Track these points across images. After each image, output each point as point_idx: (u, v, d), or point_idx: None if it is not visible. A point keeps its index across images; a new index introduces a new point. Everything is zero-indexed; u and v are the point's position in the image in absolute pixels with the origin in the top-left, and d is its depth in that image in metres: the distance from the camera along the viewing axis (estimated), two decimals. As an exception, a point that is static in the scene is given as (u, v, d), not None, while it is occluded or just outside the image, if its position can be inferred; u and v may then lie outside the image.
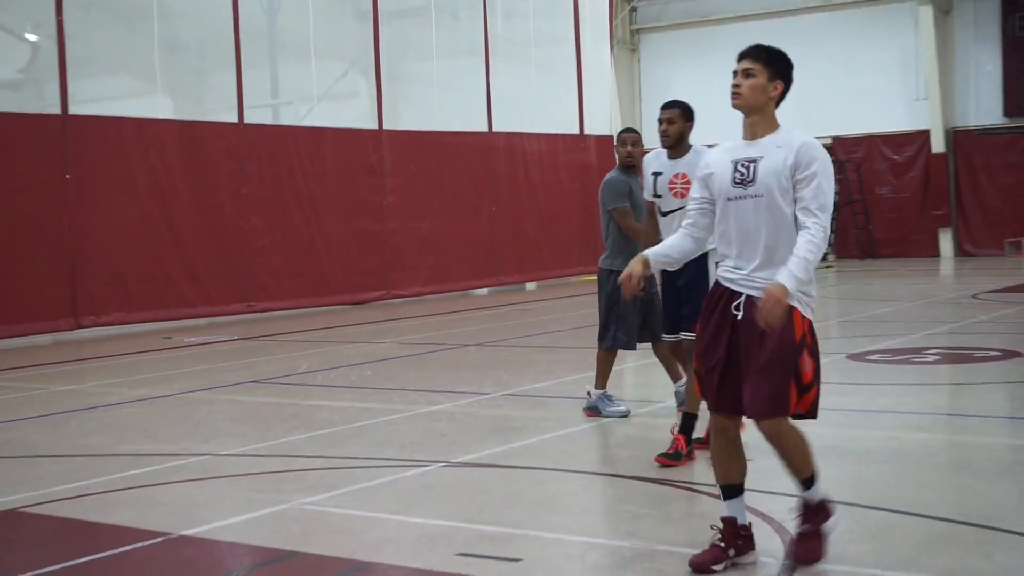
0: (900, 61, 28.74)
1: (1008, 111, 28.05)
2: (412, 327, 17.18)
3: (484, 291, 23.83)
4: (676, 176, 7.40)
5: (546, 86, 25.87)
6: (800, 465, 5.26)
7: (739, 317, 5.04)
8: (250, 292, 19.37)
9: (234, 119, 19.35)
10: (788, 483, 6.60)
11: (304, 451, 8.02)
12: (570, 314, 18.07)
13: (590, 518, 6.25)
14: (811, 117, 29.31)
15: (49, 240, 16.77)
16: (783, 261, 4.95)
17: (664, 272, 7.35)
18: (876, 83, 28.74)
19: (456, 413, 9.38)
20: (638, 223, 8.52)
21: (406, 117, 22.92)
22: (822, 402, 5.28)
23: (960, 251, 28.39)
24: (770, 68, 5.35)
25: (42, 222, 16.68)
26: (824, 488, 5.28)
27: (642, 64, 32.74)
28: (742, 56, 5.40)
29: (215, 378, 12.17)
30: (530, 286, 24.94)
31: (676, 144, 7.48)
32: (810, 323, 5.10)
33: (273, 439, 8.54)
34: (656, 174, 7.54)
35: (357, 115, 22.36)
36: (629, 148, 8.70)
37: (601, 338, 8.95)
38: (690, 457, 7.22)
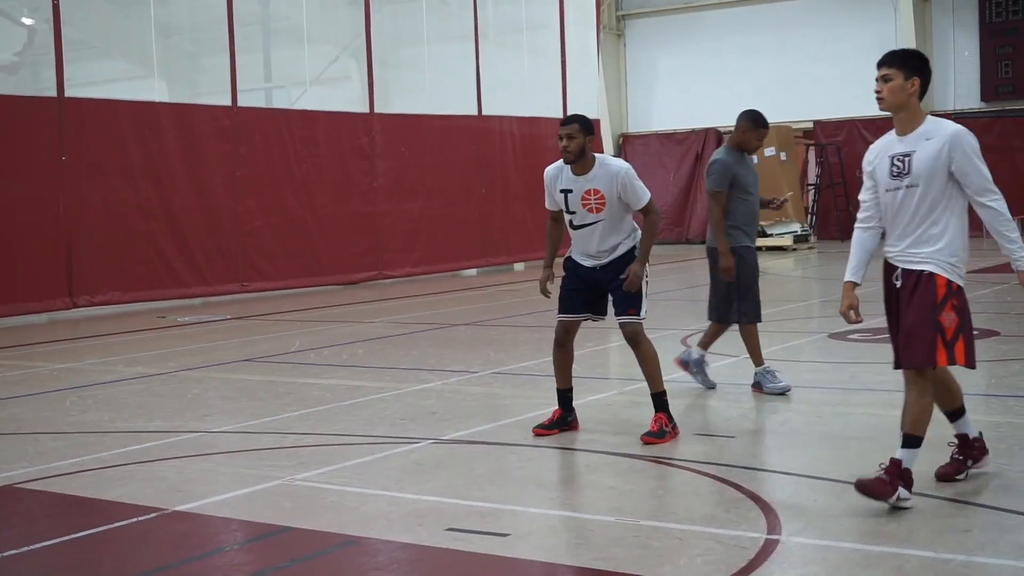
0: (880, 46, 28.63)
1: (985, 95, 28.29)
2: (403, 307, 17.30)
3: (473, 272, 23.94)
4: (588, 192, 7.37)
5: (535, 70, 25.95)
6: (943, 406, 6.16)
7: (898, 286, 5.94)
8: (243, 272, 19.48)
9: (228, 102, 19.42)
10: (775, 462, 6.76)
11: (296, 428, 8.14)
12: (557, 294, 18.16)
13: (576, 494, 6.38)
14: (793, 101, 29.49)
15: (46, 221, 16.85)
16: (938, 238, 5.81)
17: (584, 268, 7.66)
18: (856, 68, 28.79)
19: (445, 391, 9.50)
20: (746, 202, 8.99)
21: (397, 101, 23.01)
22: (804, 378, 5.44)
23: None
24: (904, 68, 5.98)
25: (39, 203, 16.76)
26: (975, 429, 6.24)
27: (627, 49, 32.80)
28: (880, 65, 6.06)
29: (209, 356, 12.27)
30: (518, 267, 25.06)
31: (578, 159, 7.37)
32: (957, 287, 5.79)
33: (266, 416, 8.66)
34: (566, 191, 7.47)
35: (348, 99, 22.44)
36: (750, 138, 9.04)
37: (726, 316, 9.16)
38: (674, 433, 7.37)
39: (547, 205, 7.78)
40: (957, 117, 28.09)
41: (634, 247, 7.57)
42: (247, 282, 19.53)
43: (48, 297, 16.90)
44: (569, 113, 26.03)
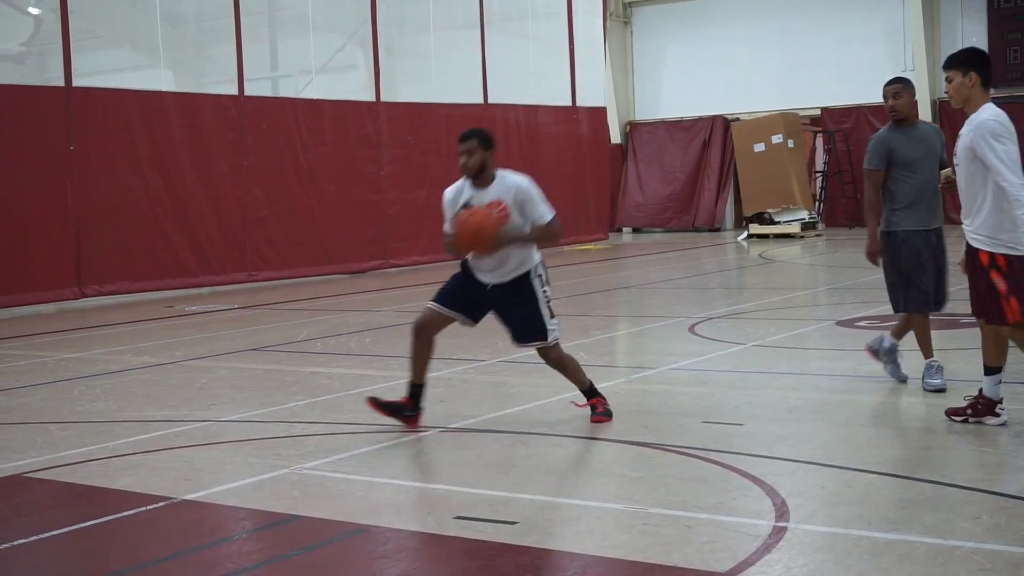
0: (887, 33, 28.79)
1: (994, 81, 28.07)
2: (409, 295, 17.29)
3: (479, 261, 23.89)
4: (490, 205, 7.29)
5: (540, 58, 25.92)
6: (988, 357, 6.96)
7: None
8: (250, 261, 19.51)
9: (234, 91, 19.42)
10: (783, 449, 6.76)
11: (304, 417, 8.16)
12: (563, 283, 18.15)
13: (584, 481, 6.38)
14: (800, 88, 29.43)
15: (54, 210, 16.88)
16: (981, 215, 6.68)
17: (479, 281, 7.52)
18: (864, 54, 28.80)
19: (452, 379, 9.50)
20: (909, 182, 8.09)
21: (403, 89, 23.00)
22: (812, 366, 5.44)
23: (946, 219, 28.41)
24: (962, 68, 6.73)
25: (47, 193, 16.79)
26: (998, 391, 6.94)
27: (634, 37, 32.74)
28: (944, 69, 6.89)
29: (216, 346, 12.29)
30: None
31: (479, 174, 7.38)
32: (1004, 257, 6.59)
33: (273, 405, 8.67)
34: (467, 205, 7.39)
35: (354, 87, 22.44)
36: (891, 102, 8.17)
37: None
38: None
39: (446, 229, 7.57)
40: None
41: (530, 272, 7.45)
42: (254, 271, 19.56)
43: (57, 287, 16.94)
44: (576, 101, 26.25)
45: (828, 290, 15.75)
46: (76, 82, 17.20)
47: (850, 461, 6.33)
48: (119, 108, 17.72)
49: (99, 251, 17.34)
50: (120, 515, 5.89)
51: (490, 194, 7.37)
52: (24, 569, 5.21)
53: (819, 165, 30.23)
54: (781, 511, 5.41)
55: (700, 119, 31.33)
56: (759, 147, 27.80)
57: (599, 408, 7.63)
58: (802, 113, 28.96)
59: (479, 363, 10.27)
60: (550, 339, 7.50)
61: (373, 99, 21.85)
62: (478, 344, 11.52)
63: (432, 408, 8.24)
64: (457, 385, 9.26)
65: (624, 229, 32.36)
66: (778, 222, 27.30)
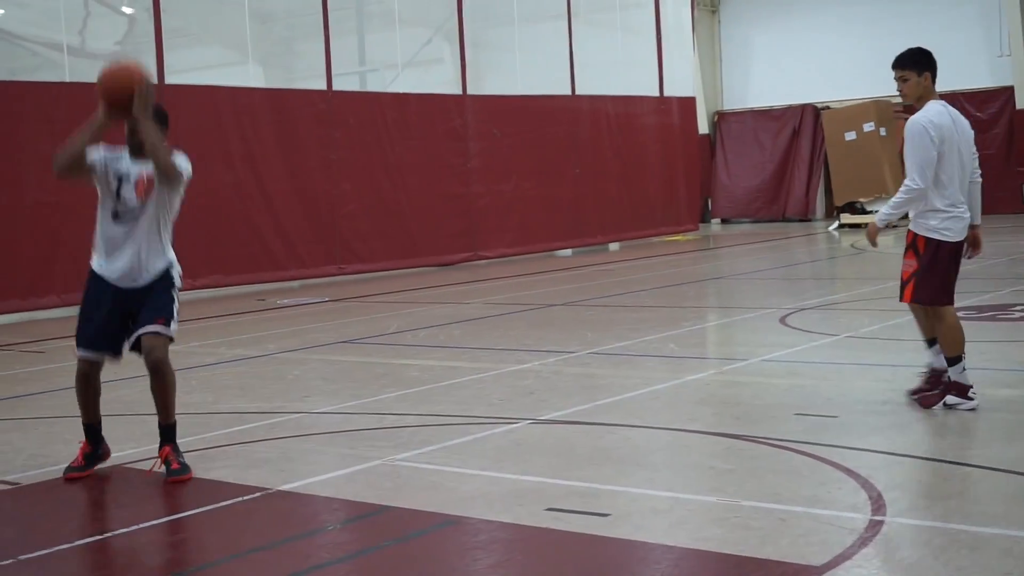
0: (982, 17, 28.19)
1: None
2: (498, 287, 17.34)
3: (568, 252, 23.91)
4: (142, 176, 6.80)
5: (628, 49, 25.79)
6: (944, 345, 7.28)
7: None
8: (340, 255, 19.68)
9: (323, 87, 19.60)
10: (878, 441, 6.67)
11: (395, 409, 8.21)
12: (653, 274, 18.11)
13: (676, 473, 6.35)
14: (891, 75, 28.83)
15: (147, 206, 17.15)
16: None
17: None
18: (957, 40, 28.19)
19: (543, 371, 9.51)
20: None
21: (489, 82, 23.03)
22: (907, 357, 5.36)
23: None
24: (917, 67, 7.43)
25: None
26: (965, 376, 7.22)
27: (722, 26, 32.46)
28: (893, 67, 7.57)
29: (307, 338, 12.42)
30: (613, 247, 24.98)
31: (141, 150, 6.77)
32: (922, 239, 7.32)
33: (365, 397, 8.75)
34: (122, 177, 6.83)
35: (441, 81, 22.53)
36: None
37: None
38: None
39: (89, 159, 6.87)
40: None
41: (169, 268, 6.96)
42: (344, 264, 19.74)
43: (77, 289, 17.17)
44: (665, 91, 26.10)
45: (922, 280, 15.47)
46: (168, 80, 17.47)
47: (947, 454, 6.23)
48: (210, 105, 17.97)
49: (192, 246, 17.56)
50: (216, 505, 5.98)
51: (147, 167, 6.77)
52: (124, 558, 5.31)
53: (911, 153, 29.72)
54: (877, 504, 5.33)
55: (789, 108, 30.97)
56: (850, 135, 27.41)
57: (173, 463, 6.56)
58: (894, 100, 28.46)
59: (569, 355, 10.27)
60: (172, 328, 6.85)
61: (460, 92, 21.92)
62: (568, 336, 11.52)
63: (523, 400, 8.25)
64: (547, 377, 9.26)
65: (713, 220, 32.13)
66: (871, 211, 26.90)
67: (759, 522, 5.20)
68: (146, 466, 6.84)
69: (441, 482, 6.22)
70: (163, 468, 6.59)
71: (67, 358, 11.86)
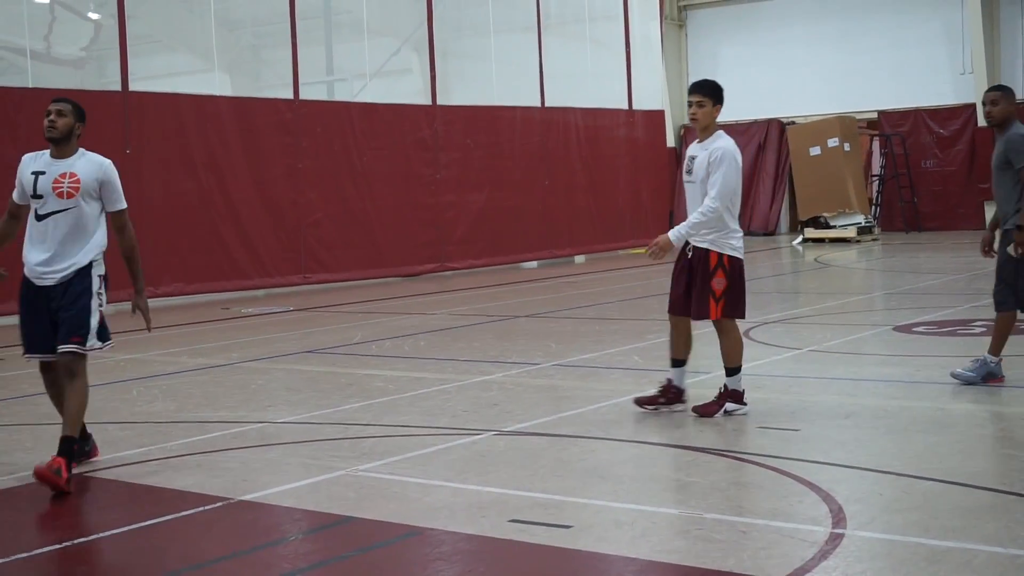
0: (946, 35, 28.48)
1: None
2: (464, 299, 17.34)
3: (534, 264, 23.95)
4: (63, 175, 6.83)
5: (597, 61, 25.90)
6: (729, 357, 7.85)
7: (690, 256, 7.80)
8: (305, 264, 19.63)
9: (289, 96, 19.56)
10: (840, 455, 6.71)
11: (359, 419, 8.19)
12: (618, 286, 18.16)
13: (639, 486, 6.36)
14: (857, 91, 29.17)
15: (109, 213, 17.06)
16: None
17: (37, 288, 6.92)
18: (922, 57, 28.52)
19: (507, 383, 9.51)
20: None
21: (459, 92, 23.06)
22: (868, 372, 5.39)
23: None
24: (713, 97, 7.83)
25: (103, 196, 16.97)
26: (740, 383, 7.80)
27: (689, 40, 32.63)
28: (692, 91, 7.89)
29: (272, 348, 12.38)
30: (579, 259, 25.04)
31: (61, 142, 6.94)
32: (728, 257, 7.74)
33: (329, 407, 8.72)
34: (38, 173, 6.87)
35: (409, 91, 22.54)
36: (988, 108, 8.73)
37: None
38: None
39: (15, 197, 7.02)
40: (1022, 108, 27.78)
41: (91, 264, 6.94)
42: (309, 274, 19.68)
43: (113, 288, 17.01)
44: (633, 104, 26.21)
45: (885, 295, 15.60)
46: (133, 86, 17.38)
47: (908, 468, 6.27)
48: (174, 112, 17.89)
49: (155, 253, 17.49)
50: (178, 515, 5.95)
51: (68, 166, 6.85)
52: (84, 567, 5.27)
53: (876, 169, 29.96)
54: (838, 517, 5.37)
55: (755, 122, 31.15)
56: (815, 150, 27.60)
57: (64, 472, 6.36)
58: (859, 116, 28.71)
59: (534, 367, 10.28)
60: (88, 343, 6.80)
61: (429, 102, 21.93)
62: (533, 348, 11.53)
63: (487, 411, 8.26)
64: (512, 389, 9.26)
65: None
66: (834, 226, 27.09)
67: (721, 535, 5.23)
68: (107, 475, 6.80)
69: (404, 493, 6.21)
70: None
71: (26, 365, 11.76)
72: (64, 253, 6.85)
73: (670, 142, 31.01)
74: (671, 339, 8.04)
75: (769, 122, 30.93)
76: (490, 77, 23.66)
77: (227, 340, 13.17)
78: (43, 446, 7.73)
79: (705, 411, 7.78)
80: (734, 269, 7.77)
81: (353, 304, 17.11)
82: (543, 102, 24.22)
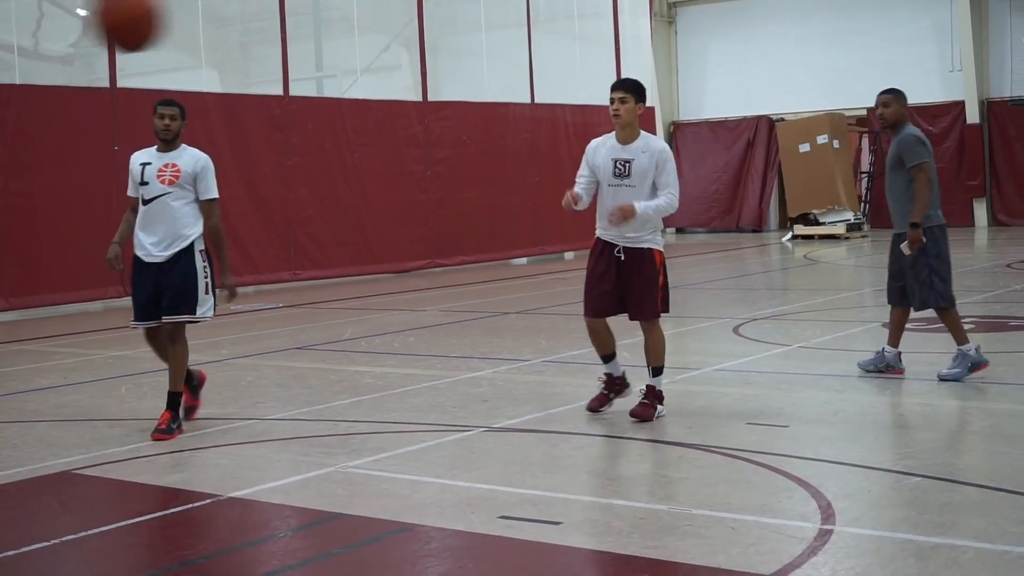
0: (935, 32, 28.52)
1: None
2: (454, 295, 17.34)
3: (524, 260, 23.94)
4: (166, 165, 8.02)
5: (587, 58, 25.88)
6: (656, 355, 7.81)
7: (622, 258, 7.70)
8: (295, 260, 19.60)
9: (279, 92, 19.52)
10: (829, 451, 6.72)
11: (349, 416, 8.19)
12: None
13: (629, 482, 6.37)
14: (846, 88, 29.16)
15: (99, 210, 17.00)
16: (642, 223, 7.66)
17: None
18: (910, 55, 28.53)
19: (497, 379, 9.51)
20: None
21: (449, 89, 23.03)
22: (857, 368, 5.37)
23: (994, 221, 28.27)
24: (635, 94, 7.63)
25: (92, 193, 16.93)
26: (663, 382, 7.79)
27: (679, 37, 32.62)
28: (615, 88, 7.70)
29: (261, 344, 12.36)
30: (568, 255, 25.04)
31: (174, 140, 8.09)
32: (661, 255, 7.76)
33: (318, 404, 8.72)
34: (145, 164, 8.11)
35: (399, 88, 22.49)
36: (880, 110, 8.93)
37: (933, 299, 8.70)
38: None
39: (129, 192, 8.34)
40: (1014, 104, 27.87)
41: (193, 243, 8.06)
42: (299, 270, 19.65)
43: (101, 285, 17.09)
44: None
45: (874, 291, 15.60)
46: (121, 83, 17.33)
47: (896, 464, 6.28)
48: (163, 109, 17.84)
49: (145, 250, 17.48)
50: (167, 512, 5.94)
51: (174, 157, 8.12)
52: (73, 564, 5.26)
53: (865, 166, 30.00)
54: (827, 514, 5.38)
55: (744, 119, 31.18)
56: (804, 147, 27.63)
57: (161, 424, 7.70)
58: (848, 113, 28.74)
59: (523, 362, 10.28)
60: (198, 313, 7.95)
61: (419, 99, 21.90)
62: (522, 344, 11.53)
63: (477, 407, 8.26)
64: (501, 385, 9.27)
65: (668, 229, 32.27)
66: (823, 223, 27.12)
67: (710, 531, 5.23)
68: (96, 472, 6.80)
69: (394, 489, 6.21)
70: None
71: (14, 362, 11.76)
72: (169, 234, 8.00)
73: (659, 137, 31.00)
74: (594, 340, 7.94)
75: (759, 119, 30.95)
76: (480, 74, 23.63)
77: (216, 337, 13.15)
78: (31, 443, 7.73)
79: (644, 415, 7.61)
80: (664, 266, 7.78)
81: (343, 301, 17.10)
82: (533, 99, 24.21)
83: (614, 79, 26.00)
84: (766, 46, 30.75)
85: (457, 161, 22.33)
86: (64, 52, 19.40)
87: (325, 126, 20.09)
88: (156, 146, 8.12)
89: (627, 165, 7.63)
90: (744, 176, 31.17)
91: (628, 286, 7.71)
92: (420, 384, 9.36)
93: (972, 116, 27.98)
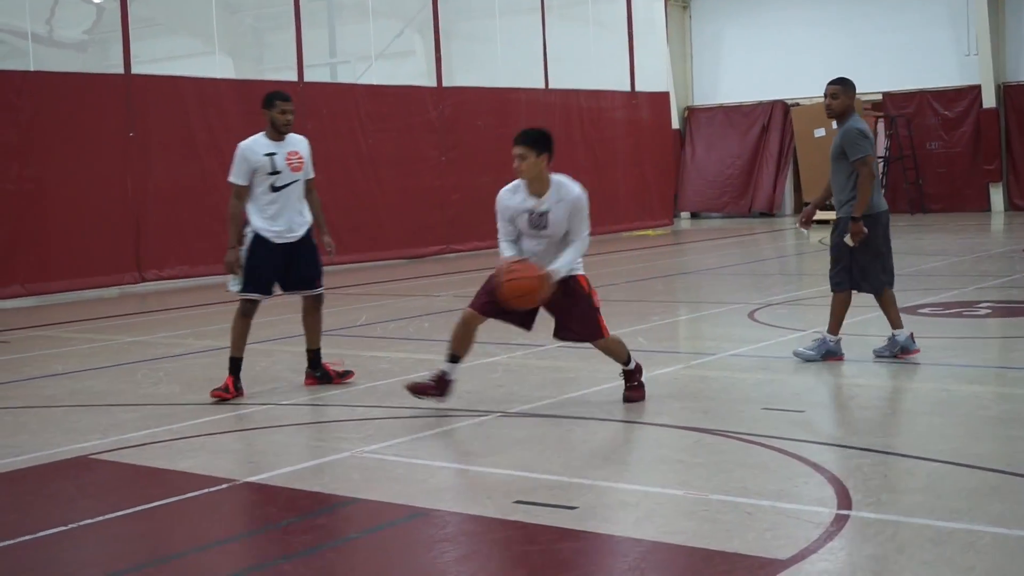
0: (950, 16, 28.34)
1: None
2: (469, 280, 17.30)
3: (539, 246, 23.90)
4: (290, 153, 8.68)
5: (601, 43, 25.82)
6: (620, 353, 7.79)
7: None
8: (310, 247, 19.59)
9: (293, 78, 19.52)
10: (845, 436, 6.70)
11: (364, 401, 8.20)
12: (621, 268, 18.13)
13: (644, 467, 6.36)
14: (861, 72, 28.95)
15: (114, 196, 17.08)
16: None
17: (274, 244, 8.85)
18: (926, 38, 28.37)
19: (511, 364, 9.52)
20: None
21: (462, 75, 22.99)
22: (872, 353, 5.33)
23: (1011, 205, 28.10)
24: (536, 147, 7.47)
25: (108, 178, 16.99)
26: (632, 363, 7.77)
27: (693, 21, 32.49)
28: (519, 144, 7.51)
29: (276, 330, 12.37)
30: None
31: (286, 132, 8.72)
32: (586, 279, 7.68)
33: (333, 389, 8.73)
34: (270, 154, 8.64)
35: (413, 73, 22.47)
36: (828, 101, 8.97)
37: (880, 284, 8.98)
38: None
39: (241, 180, 8.73)
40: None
41: (309, 223, 8.92)
42: (313, 257, 19.64)
43: (117, 271, 17.15)
44: (636, 86, 26.13)
45: (889, 277, 15.57)
46: (135, 69, 17.36)
47: (913, 449, 6.26)
48: (176, 95, 17.86)
49: (158, 236, 17.53)
50: (183, 496, 5.95)
51: (289, 145, 8.79)
52: (90, 548, 5.28)
53: (880, 151, 29.87)
54: (843, 499, 5.37)
55: (759, 104, 31.06)
56: (819, 132, 27.49)
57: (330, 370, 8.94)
58: (863, 98, 28.58)
59: (538, 348, 10.27)
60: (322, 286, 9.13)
61: (433, 84, 21.87)
62: (537, 329, 11.50)
63: (492, 392, 8.26)
64: (516, 370, 9.27)
65: (682, 214, 32.22)
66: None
67: (726, 516, 5.23)
68: (112, 457, 6.82)
69: (409, 474, 6.21)
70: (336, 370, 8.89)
71: (31, 348, 11.79)
72: (299, 215, 8.80)
73: (675, 124, 30.93)
74: (458, 334, 7.87)
75: (773, 104, 30.83)
76: (494, 59, 23.58)
77: (231, 323, 13.13)
78: (48, 428, 7.76)
79: (637, 396, 7.72)
80: (591, 286, 7.73)
81: (357, 286, 17.11)
82: (547, 84, 24.15)
83: (626, 64, 26.19)
84: (781, 30, 30.61)
85: (471, 146, 22.31)
86: (78, 39, 19.44)
87: (339, 112, 20.09)
88: (263, 134, 8.73)
89: (543, 217, 7.55)
90: (759, 161, 31.06)
91: (558, 309, 7.68)
92: (435, 369, 9.34)
93: (988, 100, 27.82)
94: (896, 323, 8.92)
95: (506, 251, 7.74)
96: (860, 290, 8.95)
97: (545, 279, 7.42)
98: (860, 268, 8.84)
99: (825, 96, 9.04)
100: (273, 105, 8.67)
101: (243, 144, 8.74)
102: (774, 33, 30.75)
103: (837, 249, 8.90)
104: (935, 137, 28.69)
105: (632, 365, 7.80)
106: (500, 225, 7.83)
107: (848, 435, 6.68)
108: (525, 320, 7.84)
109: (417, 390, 7.75)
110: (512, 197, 7.70)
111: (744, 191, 31.28)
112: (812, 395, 7.91)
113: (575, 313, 7.66)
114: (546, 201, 7.54)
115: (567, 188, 7.59)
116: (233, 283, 8.80)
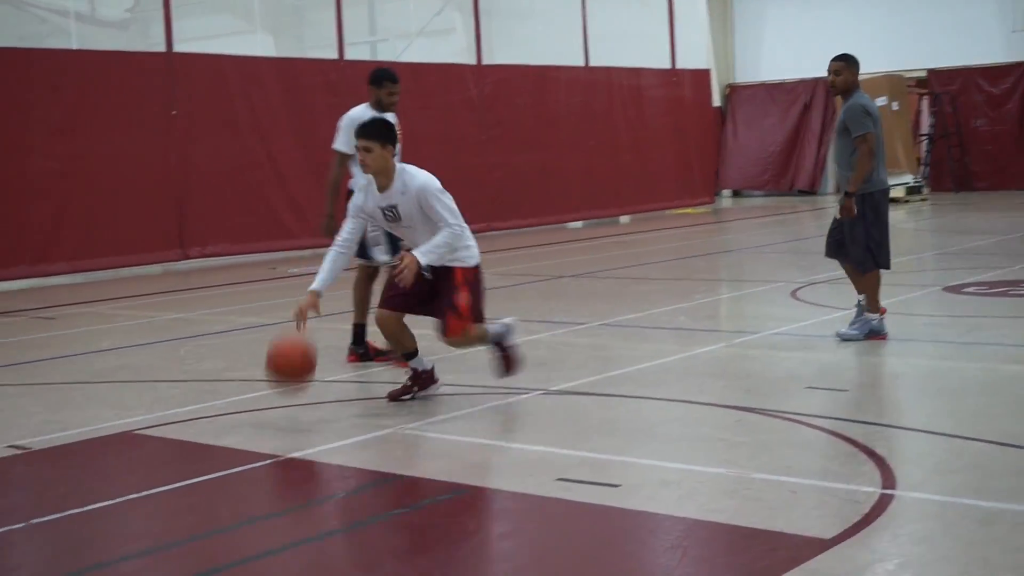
0: (997, -9, 27.99)
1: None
2: (509, 258, 17.32)
3: (579, 224, 23.88)
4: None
5: (641, 21, 25.67)
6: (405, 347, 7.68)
7: (428, 276, 7.43)
8: (350, 225, 19.64)
9: (334, 56, 19.53)
10: (890, 416, 6.64)
11: (405, 378, 8.20)
12: (663, 246, 18.09)
13: (687, 445, 6.34)
14: (906, 49, 28.71)
15: (157, 174, 17.18)
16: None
17: None
18: (971, 15, 28.00)
19: (553, 342, 9.51)
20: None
21: (502, 52, 22.93)
22: (919, 332, 5.29)
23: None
24: (380, 140, 7.27)
25: (150, 157, 17.08)
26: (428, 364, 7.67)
27: (735, -2, 32.28)
28: (359, 136, 7.30)
29: (319, 307, 12.38)
30: (623, 219, 24.95)
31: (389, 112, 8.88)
32: (469, 270, 7.54)
33: (375, 366, 8.76)
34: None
35: (453, 51, 22.42)
36: (832, 77, 9.05)
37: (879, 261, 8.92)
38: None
39: (346, 148, 9.01)
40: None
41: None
42: (355, 234, 19.69)
43: (161, 249, 17.27)
44: (677, 63, 26.00)
45: (935, 255, 15.44)
46: (177, 48, 17.44)
47: (958, 429, 6.21)
48: (218, 74, 17.92)
49: (201, 214, 17.62)
50: (228, 472, 5.99)
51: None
52: (136, 523, 5.33)
53: (925, 128, 29.57)
54: (888, 478, 5.33)
55: (801, 81, 30.80)
56: (864, 108, 27.26)
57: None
58: (907, 75, 28.30)
59: (580, 326, 10.26)
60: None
61: (474, 62, 21.84)
62: (578, 307, 11.51)
63: (534, 371, 8.24)
64: (558, 348, 9.26)
65: (724, 192, 32.05)
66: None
67: (769, 495, 5.20)
68: (157, 432, 6.88)
69: (451, 451, 6.23)
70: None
71: (76, 324, 11.91)
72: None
73: (716, 102, 30.74)
74: (391, 336, 7.77)
75: (816, 81, 30.55)
76: (534, 37, 23.51)
77: (274, 299, 13.23)
78: (94, 403, 7.83)
79: (398, 396, 7.52)
80: (477, 280, 7.56)
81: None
82: (587, 62, 24.06)
83: (667, 42, 26.02)
84: (823, 6, 30.33)
85: (512, 124, 22.27)
86: (121, 17, 19.54)
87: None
88: (367, 106, 9.27)
89: (394, 210, 7.39)
90: (800, 139, 30.82)
91: (433, 295, 7.52)
92: (477, 347, 9.35)
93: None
94: (873, 307, 8.86)
95: (321, 273, 7.77)
96: (846, 261, 8.97)
97: (309, 354, 7.25)
98: (851, 239, 8.85)
99: (828, 72, 9.08)
100: (382, 85, 9.19)
101: (350, 114, 9.12)
102: (816, 9, 30.48)
103: (851, 228, 8.83)
104: (981, 114, 28.35)
105: (425, 367, 7.62)
106: (346, 225, 7.66)
107: (893, 414, 6.64)
108: (424, 309, 7.66)
109: (400, 394, 7.52)
110: (366, 199, 7.50)
111: (786, 169, 31.06)
112: (856, 374, 7.86)
113: (435, 303, 7.51)
114: (393, 194, 7.36)
115: (411, 176, 7.38)
116: (379, 252, 9.09)
